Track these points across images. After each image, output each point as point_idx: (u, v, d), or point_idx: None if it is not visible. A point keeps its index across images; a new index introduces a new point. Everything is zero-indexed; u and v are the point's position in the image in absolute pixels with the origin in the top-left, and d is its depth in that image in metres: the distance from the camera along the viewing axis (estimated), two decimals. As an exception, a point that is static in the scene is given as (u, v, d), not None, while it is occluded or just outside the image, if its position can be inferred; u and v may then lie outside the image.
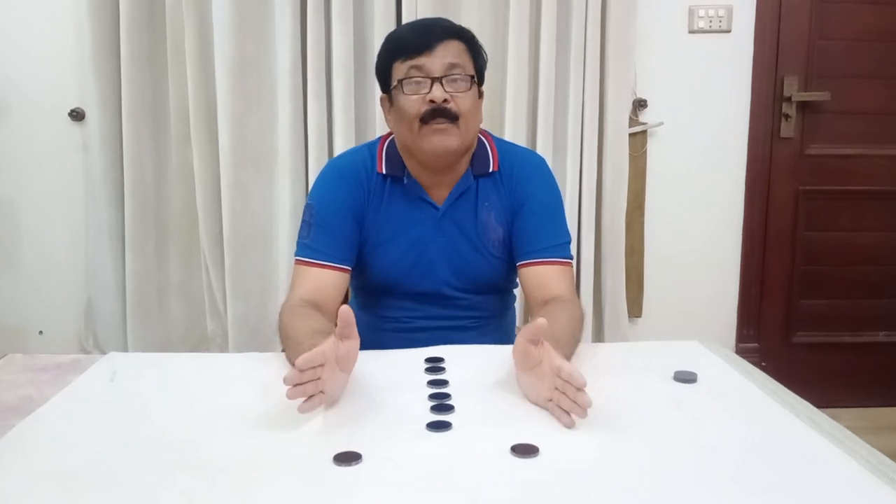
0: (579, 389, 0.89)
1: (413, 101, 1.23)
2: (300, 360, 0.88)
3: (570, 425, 0.91)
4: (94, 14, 2.17)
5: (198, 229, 2.32)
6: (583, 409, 0.89)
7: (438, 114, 1.22)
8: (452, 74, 1.23)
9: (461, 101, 1.23)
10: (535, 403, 0.98)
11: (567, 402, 0.91)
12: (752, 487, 0.77)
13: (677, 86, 2.42)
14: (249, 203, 2.28)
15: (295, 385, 0.89)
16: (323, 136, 2.25)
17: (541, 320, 0.97)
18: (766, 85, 2.44)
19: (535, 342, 0.97)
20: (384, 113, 1.34)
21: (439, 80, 1.22)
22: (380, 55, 1.30)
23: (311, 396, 0.91)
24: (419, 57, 1.23)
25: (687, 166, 2.47)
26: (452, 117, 1.23)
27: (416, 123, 1.24)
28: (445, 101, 1.22)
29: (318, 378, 0.92)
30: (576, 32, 2.25)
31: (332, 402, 0.97)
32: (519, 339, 1.00)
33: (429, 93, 1.22)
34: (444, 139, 1.23)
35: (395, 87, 1.26)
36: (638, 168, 2.42)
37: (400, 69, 1.25)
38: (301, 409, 0.90)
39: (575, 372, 0.90)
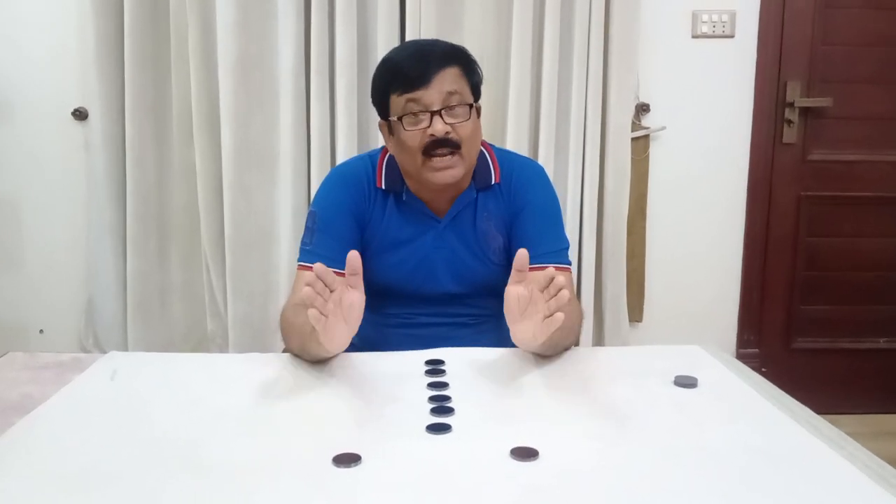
0: (553, 278, 0.96)
1: (413, 135, 1.23)
2: (318, 266, 0.97)
3: (560, 321, 0.96)
4: (97, 14, 2.18)
5: (199, 229, 2.32)
6: (559, 287, 0.96)
7: (440, 144, 1.23)
8: (451, 105, 1.23)
9: (462, 130, 1.24)
10: (537, 340, 1.02)
11: (553, 303, 0.97)
12: (753, 492, 0.77)
13: (680, 90, 2.42)
14: (251, 203, 2.28)
15: (312, 291, 0.95)
16: (325, 136, 2.25)
17: (522, 251, 1.03)
18: (768, 90, 2.44)
19: (521, 280, 1.03)
20: (384, 138, 1.34)
21: (439, 112, 1.22)
22: (375, 84, 1.30)
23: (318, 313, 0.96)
24: (416, 90, 1.22)
25: (689, 171, 2.47)
26: (454, 146, 1.23)
27: (419, 156, 1.24)
28: (446, 132, 1.22)
29: (327, 301, 0.97)
30: (579, 36, 2.25)
31: (331, 346, 1.03)
32: (507, 289, 1.04)
33: (429, 126, 1.22)
34: (448, 174, 1.25)
35: (394, 121, 1.26)
36: (640, 172, 2.42)
37: (398, 103, 1.24)
38: (310, 315, 0.95)
39: (548, 270, 0.98)
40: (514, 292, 1.03)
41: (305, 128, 2.27)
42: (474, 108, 1.27)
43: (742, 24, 2.40)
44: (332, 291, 0.99)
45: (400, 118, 1.24)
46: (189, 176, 2.31)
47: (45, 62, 2.30)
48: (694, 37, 2.40)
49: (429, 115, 1.22)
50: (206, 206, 2.29)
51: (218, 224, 2.30)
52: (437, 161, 1.23)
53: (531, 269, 1.30)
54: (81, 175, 2.35)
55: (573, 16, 2.24)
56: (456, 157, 1.24)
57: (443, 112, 1.22)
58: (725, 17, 2.38)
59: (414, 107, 1.23)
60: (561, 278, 0.97)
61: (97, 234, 2.33)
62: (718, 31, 2.39)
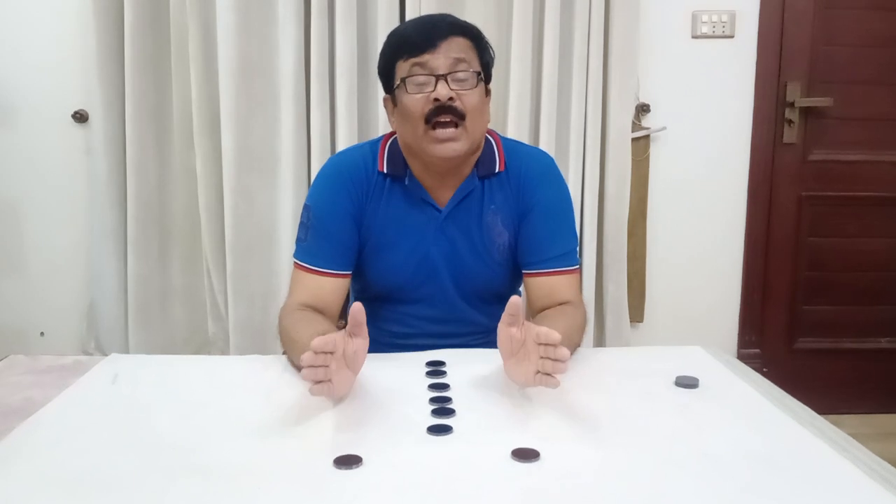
0: (556, 346, 0.91)
1: (417, 100, 1.18)
2: (315, 342, 0.90)
3: (555, 385, 0.93)
4: (98, 17, 2.18)
5: (200, 232, 2.32)
6: (562, 362, 0.91)
7: (444, 111, 1.18)
8: (457, 71, 1.18)
9: (467, 99, 1.18)
10: (526, 385, 0.99)
11: (549, 364, 0.93)
12: (754, 494, 0.76)
13: (680, 91, 2.42)
14: (252, 206, 2.29)
15: (309, 367, 0.90)
16: (326, 139, 2.26)
17: (514, 297, 0.99)
18: (769, 90, 2.44)
19: (514, 323, 0.99)
20: (388, 114, 1.30)
21: (444, 77, 1.17)
22: (382, 54, 1.26)
23: (319, 381, 0.92)
24: (423, 54, 1.17)
25: (690, 171, 2.47)
26: (459, 115, 1.18)
27: (421, 125, 1.19)
28: (451, 99, 1.17)
29: (328, 365, 0.93)
30: (579, 37, 2.25)
31: (337, 397, 0.98)
32: (500, 326, 1.01)
33: (433, 91, 1.17)
34: (451, 146, 1.19)
35: (398, 86, 1.21)
36: (641, 173, 2.42)
37: (403, 67, 1.20)
38: (312, 391, 0.91)
39: (549, 331, 0.92)
40: (506, 332, 0.99)
41: (306, 131, 2.27)
42: (482, 78, 1.23)
43: (742, 25, 2.40)
44: (332, 355, 0.93)
45: (403, 80, 1.19)
46: (190, 179, 2.31)
47: (46, 65, 2.30)
48: (694, 37, 2.40)
49: (433, 79, 1.17)
50: (207, 210, 2.29)
51: (219, 227, 2.30)
52: (439, 132, 1.18)
53: (539, 274, 1.29)
54: (82, 178, 2.35)
55: (573, 16, 2.25)
56: (459, 130, 1.19)
57: (448, 78, 1.17)
58: (725, 18, 2.39)
59: (419, 70, 1.18)
60: (558, 336, 0.92)
61: (98, 237, 2.33)
62: (718, 32, 2.39)
